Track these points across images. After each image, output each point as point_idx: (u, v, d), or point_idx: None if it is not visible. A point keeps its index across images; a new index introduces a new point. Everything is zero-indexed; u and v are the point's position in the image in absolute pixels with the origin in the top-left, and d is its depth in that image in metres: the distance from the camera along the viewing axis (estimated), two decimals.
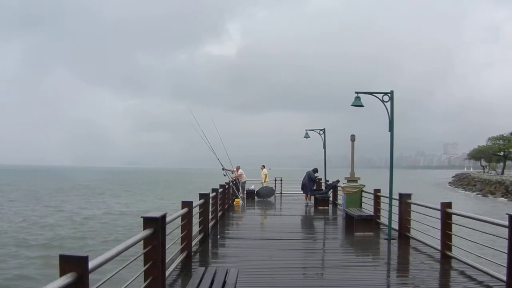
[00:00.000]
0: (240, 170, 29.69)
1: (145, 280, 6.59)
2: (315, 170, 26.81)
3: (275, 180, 33.59)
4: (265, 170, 31.71)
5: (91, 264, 4.43)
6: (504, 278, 8.02)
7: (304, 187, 26.35)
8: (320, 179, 28.79)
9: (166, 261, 7.59)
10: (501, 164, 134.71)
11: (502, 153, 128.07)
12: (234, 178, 28.16)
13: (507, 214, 7.89)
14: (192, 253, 10.96)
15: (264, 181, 31.23)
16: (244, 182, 30.08)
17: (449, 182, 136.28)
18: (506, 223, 7.87)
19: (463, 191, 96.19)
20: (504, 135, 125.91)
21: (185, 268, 9.67)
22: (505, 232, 7.97)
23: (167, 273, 8.01)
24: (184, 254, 10.23)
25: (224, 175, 25.61)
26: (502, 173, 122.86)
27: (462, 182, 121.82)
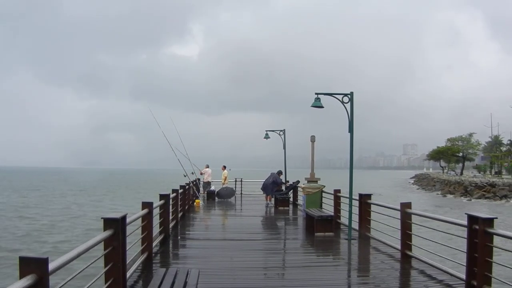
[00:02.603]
0: (207, 169, 29.87)
1: (105, 282, 6.60)
2: (280, 173, 26.99)
3: (235, 181, 33.73)
4: (226, 171, 31.84)
5: (51, 266, 4.45)
6: (464, 276, 8.19)
7: (265, 188, 26.47)
8: (282, 181, 29.03)
9: (127, 262, 7.60)
10: (460, 164, 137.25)
11: (461, 154, 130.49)
12: (197, 178, 28.28)
13: (466, 213, 8.11)
14: (153, 254, 10.95)
15: (225, 182, 31.36)
16: (208, 182, 30.18)
17: (409, 183, 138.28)
18: (465, 222, 8.06)
19: (423, 191, 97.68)
20: (463, 136, 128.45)
21: (146, 269, 9.66)
22: (464, 231, 8.14)
23: (128, 274, 7.99)
24: (144, 255, 10.22)
25: (185, 176, 25.59)
26: (461, 173, 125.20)
27: (422, 182, 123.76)
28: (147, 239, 10.47)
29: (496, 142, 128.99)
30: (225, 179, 31.70)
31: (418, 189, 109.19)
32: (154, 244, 11.42)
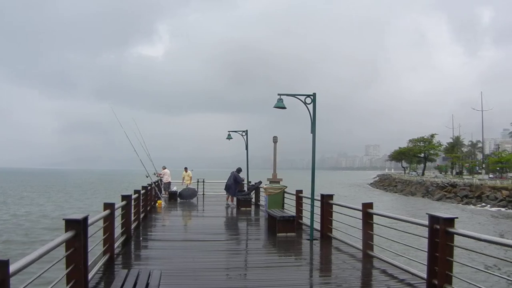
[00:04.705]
0: (165, 170, 29.92)
1: (67, 284, 6.60)
2: (239, 170, 27.05)
3: (198, 182, 33.78)
4: (189, 172, 31.95)
5: (12, 268, 4.47)
6: (425, 275, 8.39)
7: (229, 188, 26.56)
8: (243, 178, 29.11)
9: (89, 264, 7.60)
10: (422, 165, 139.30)
11: (422, 155, 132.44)
12: (159, 179, 28.30)
13: (427, 213, 8.32)
14: (115, 255, 10.92)
15: (186, 183, 31.44)
16: (168, 183, 30.24)
17: (371, 183, 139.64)
18: (426, 222, 8.27)
19: (386, 192, 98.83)
20: (425, 137, 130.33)
21: (108, 271, 9.63)
22: (425, 231, 8.34)
23: (90, 276, 8.01)
24: (106, 257, 10.20)
25: (147, 177, 25.54)
26: (423, 174, 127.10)
27: (384, 183, 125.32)
28: (109, 240, 10.46)
29: (457, 143, 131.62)
30: (184, 179, 31.98)
31: (380, 189, 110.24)
32: (116, 245, 11.41)
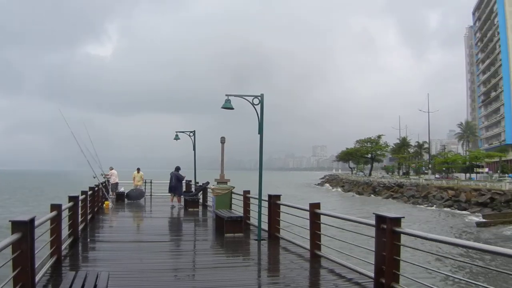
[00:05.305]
0: (112, 171, 29.71)
1: (14, 287, 6.57)
2: (178, 169, 27.10)
3: (145, 182, 33.64)
4: (141, 173, 31.83)
5: None
6: (372, 274, 8.56)
7: (175, 189, 26.51)
8: (184, 176, 29.12)
9: (36, 266, 7.56)
10: (369, 165, 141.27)
11: (369, 155, 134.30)
12: (106, 179, 28.07)
13: (374, 213, 8.54)
14: (62, 257, 10.83)
15: (137, 184, 31.31)
16: (116, 184, 30.05)
17: (318, 183, 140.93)
18: (373, 222, 8.46)
19: (334, 192, 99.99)
20: (372, 138, 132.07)
21: (55, 273, 9.54)
22: (373, 230, 8.52)
23: (37, 278, 7.94)
24: (54, 259, 10.12)
25: (94, 177, 25.30)
26: (370, 174, 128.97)
27: (331, 183, 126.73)
28: (56, 242, 10.36)
29: (403, 143, 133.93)
30: (142, 180, 32.00)
31: (328, 189, 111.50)
32: (63, 247, 11.33)
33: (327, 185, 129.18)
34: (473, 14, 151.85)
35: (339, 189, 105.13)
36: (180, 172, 27.22)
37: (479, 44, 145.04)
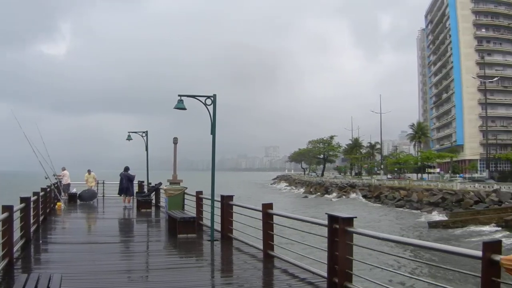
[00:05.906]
0: (64, 171, 29.38)
1: None
2: (127, 169, 27.01)
3: (97, 183, 33.33)
4: (93, 174, 31.48)
5: None
6: (325, 274, 8.62)
7: (126, 190, 26.35)
8: (143, 181, 28.94)
9: None
10: (321, 166, 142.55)
11: (322, 156, 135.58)
12: (58, 180, 27.73)
13: (326, 213, 8.62)
14: (14, 260, 10.70)
15: (91, 185, 30.99)
16: (68, 184, 29.70)
17: (272, 183, 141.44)
18: (326, 222, 8.54)
19: (288, 192, 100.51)
20: (324, 138, 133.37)
21: (7, 276, 9.44)
22: (325, 230, 8.58)
23: None
24: (5, 261, 10.00)
25: (46, 178, 24.98)
26: (322, 175, 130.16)
27: (285, 182, 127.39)
28: (7, 244, 10.24)
29: (356, 144, 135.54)
30: (94, 181, 31.51)
31: (281, 190, 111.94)
32: (15, 249, 11.18)
33: (281, 184, 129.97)
34: (426, 17, 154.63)
35: (293, 189, 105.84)
36: (130, 172, 27.11)
37: (431, 46, 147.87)
